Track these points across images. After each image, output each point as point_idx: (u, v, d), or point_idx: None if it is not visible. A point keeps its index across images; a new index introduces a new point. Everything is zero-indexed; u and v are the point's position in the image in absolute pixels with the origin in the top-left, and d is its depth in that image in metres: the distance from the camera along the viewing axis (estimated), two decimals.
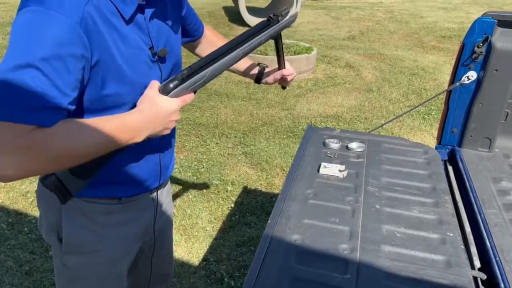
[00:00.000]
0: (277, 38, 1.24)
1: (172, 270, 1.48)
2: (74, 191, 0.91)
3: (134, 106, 0.98)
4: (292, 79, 1.42)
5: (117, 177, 1.07)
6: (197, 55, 1.40)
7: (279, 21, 1.19)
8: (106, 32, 0.88)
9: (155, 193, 1.22)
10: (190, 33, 1.29)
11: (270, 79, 1.40)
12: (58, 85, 0.80)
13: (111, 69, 0.91)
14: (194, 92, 1.01)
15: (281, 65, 1.38)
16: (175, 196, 2.99)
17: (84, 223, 1.10)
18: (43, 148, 0.79)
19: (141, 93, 0.98)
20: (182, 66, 1.16)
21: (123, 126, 0.89)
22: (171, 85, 0.94)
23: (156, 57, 1.01)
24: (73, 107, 0.85)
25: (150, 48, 0.99)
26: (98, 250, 1.13)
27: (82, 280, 1.17)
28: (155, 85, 0.95)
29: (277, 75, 1.40)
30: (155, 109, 0.92)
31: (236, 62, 1.09)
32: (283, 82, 1.43)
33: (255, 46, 1.13)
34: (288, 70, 1.39)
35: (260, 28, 1.14)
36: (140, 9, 0.96)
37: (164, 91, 0.94)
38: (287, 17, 1.22)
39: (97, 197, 1.08)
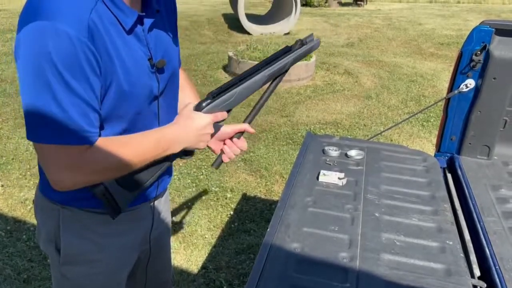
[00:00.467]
0: (283, 72, 1.20)
1: (171, 278, 1.48)
2: (122, 203, 1.01)
3: (134, 117, 1.00)
4: (238, 154, 1.20)
5: None
6: None
7: (303, 46, 1.22)
8: (108, 41, 0.89)
9: (153, 202, 1.22)
10: None
11: (227, 128, 1.18)
12: (90, 102, 0.88)
13: (113, 78, 0.92)
14: (228, 112, 1.11)
15: (255, 111, 1.19)
16: (174, 204, 2.98)
17: (83, 233, 1.09)
18: (94, 163, 0.92)
19: (141, 103, 0.99)
20: (178, 77, 1.17)
21: (162, 137, 1.01)
22: (204, 104, 1.06)
23: (155, 68, 1.01)
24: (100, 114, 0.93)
25: (149, 59, 0.99)
26: (97, 260, 1.13)
27: None
28: (190, 104, 1.07)
29: (238, 126, 1.19)
30: (189, 122, 1.04)
31: (262, 85, 1.15)
32: (236, 144, 1.18)
33: (279, 70, 1.17)
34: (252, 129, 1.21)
35: (284, 52, 1.19)
36: (140, 20, 0.97)
37: (198, 108, 1.06)
38: (312, 42, 1.25)
39: (95, 208, 1.07)
